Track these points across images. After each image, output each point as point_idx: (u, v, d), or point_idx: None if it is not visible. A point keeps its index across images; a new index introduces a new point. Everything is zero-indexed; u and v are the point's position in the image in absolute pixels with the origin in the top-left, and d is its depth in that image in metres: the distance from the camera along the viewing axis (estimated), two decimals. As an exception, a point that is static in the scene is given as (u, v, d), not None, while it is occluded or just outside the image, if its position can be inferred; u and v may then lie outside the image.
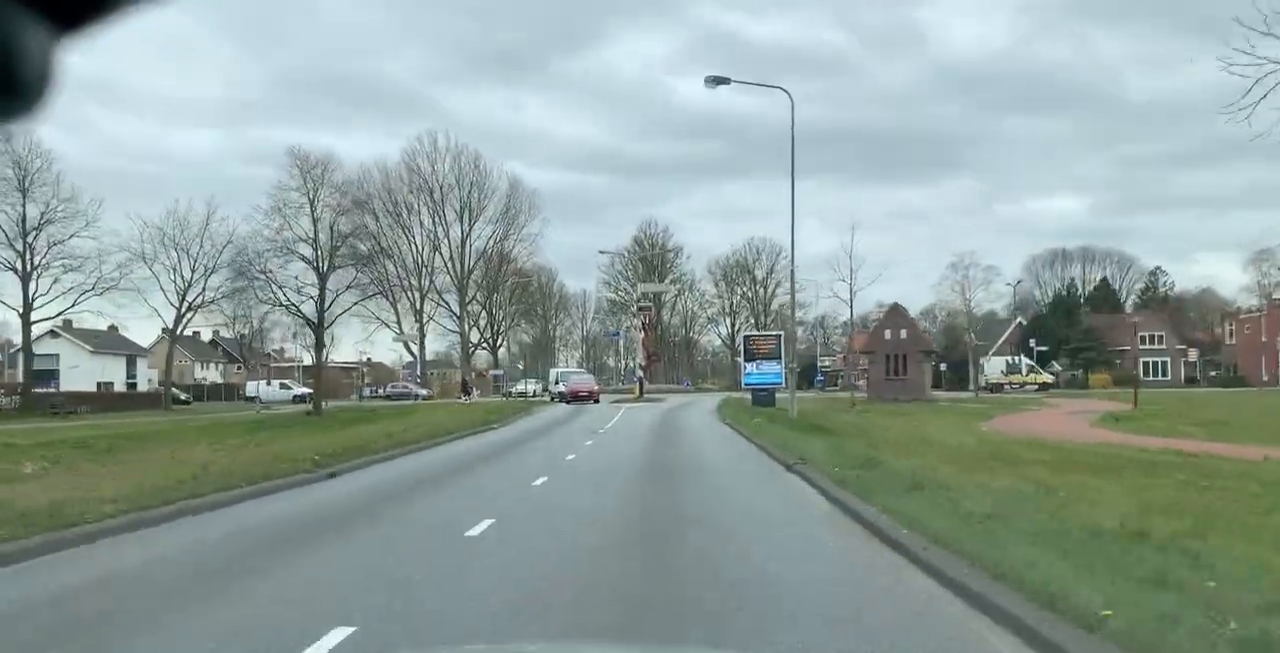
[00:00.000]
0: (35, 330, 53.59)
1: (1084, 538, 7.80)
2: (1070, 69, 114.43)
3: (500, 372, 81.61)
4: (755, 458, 19.67)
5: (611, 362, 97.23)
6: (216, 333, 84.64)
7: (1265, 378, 68.88)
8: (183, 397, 67.74)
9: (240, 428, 32.96)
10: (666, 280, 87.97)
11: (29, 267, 48.41)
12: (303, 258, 40.82)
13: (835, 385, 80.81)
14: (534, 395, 65.70)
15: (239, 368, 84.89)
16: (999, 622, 6.12)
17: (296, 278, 41.24)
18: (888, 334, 55.93)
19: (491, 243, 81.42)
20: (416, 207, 79.45)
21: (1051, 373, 72.99)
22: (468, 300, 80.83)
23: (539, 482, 15.45)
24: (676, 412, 41.94)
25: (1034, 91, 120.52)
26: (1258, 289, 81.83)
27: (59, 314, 54.59)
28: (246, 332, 72.86)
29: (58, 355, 70.56)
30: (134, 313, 59.16)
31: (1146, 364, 77.82)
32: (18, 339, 57.17)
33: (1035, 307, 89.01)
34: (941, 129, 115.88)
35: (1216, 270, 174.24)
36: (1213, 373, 78.03)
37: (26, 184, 47.18)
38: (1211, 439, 21.44)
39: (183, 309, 54.83)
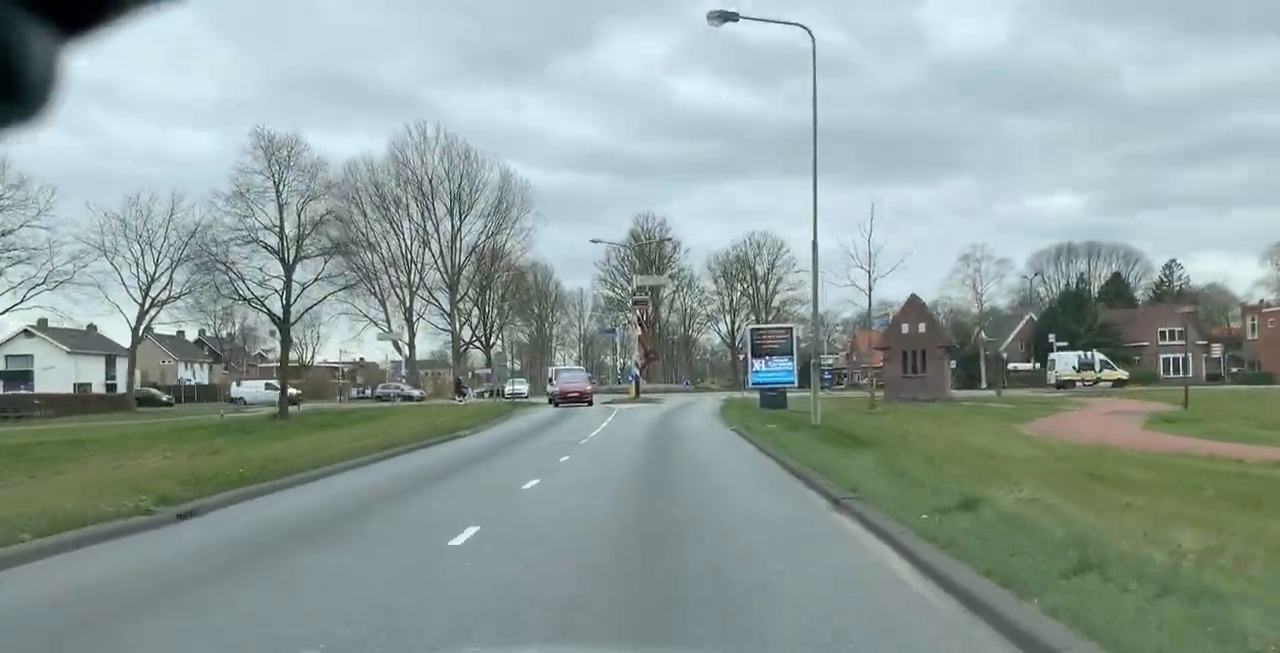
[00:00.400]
0: (9, 330, 50.59)
1: None
2: (1070, 68, 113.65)
3: (488, 371, 78.40)
4: (780, 484, 14.78)
5: (609, 360, 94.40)
6: (202, 332, 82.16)
7: (1292, 373, 66.43)
8: (164, 398, 65.23)
9: (201, 433, 30.97)
10: (665, 275, 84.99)
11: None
12: (267, 247, 37.70)
13: (840, 385, 78.23)
14: (521, 398, 60.76)
15: (226, 368, 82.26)
16: None
17: (261, 269, 38.23)
18: (905, 328, 50.55)
19: (483, 238, 78.39)
20: (405, 200, 76.59)
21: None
22: (459, 298, 77.77)
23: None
24: (675, 414, 39.00)
25: (1034, 91, 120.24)
26: (1276, 283, 79.48)
27: (5, 311, 51.47)
28: (234, 331, 70.18)
29: (32, 356, 68.20)
30: (91, 310, 55.74)
31: (1166, 361, 75.16)
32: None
33: (1040, 303, 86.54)
34: (941, 129, 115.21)
35: (1218, 267, 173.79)
36: (1234, 370, 75.26)
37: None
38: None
39: (146, 305, 51.70)
